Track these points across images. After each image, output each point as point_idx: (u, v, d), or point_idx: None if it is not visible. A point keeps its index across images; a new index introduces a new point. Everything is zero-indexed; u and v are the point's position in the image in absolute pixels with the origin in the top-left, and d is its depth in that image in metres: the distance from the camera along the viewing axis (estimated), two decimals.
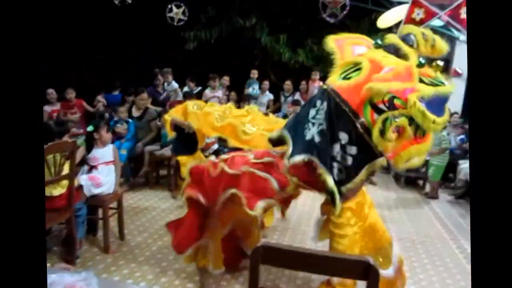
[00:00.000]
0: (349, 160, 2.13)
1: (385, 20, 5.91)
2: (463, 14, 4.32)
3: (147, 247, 3.65)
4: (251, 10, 10.72)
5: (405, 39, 2.24)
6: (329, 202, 2.24)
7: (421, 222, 4.76)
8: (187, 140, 3.98)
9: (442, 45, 2.22)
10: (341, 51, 2.31)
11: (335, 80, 2.23)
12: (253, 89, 8.38)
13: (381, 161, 2.14)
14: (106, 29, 10.66)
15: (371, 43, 2.41)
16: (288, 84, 8.24)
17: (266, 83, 8.33)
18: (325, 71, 10.61)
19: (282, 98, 8.21)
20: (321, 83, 8.00)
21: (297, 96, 7.97)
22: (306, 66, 10.41)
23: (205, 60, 10.44)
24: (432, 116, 1.89)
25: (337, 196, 2.14)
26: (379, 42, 2.32)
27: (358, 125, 2.10)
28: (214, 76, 7.61)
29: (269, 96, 8.29)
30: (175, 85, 7.59)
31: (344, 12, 7.37)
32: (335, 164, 2.15)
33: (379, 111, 2.04)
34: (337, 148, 2.14)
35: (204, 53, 10.81)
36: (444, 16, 4.33)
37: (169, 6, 8.84)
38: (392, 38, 2.30)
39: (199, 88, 7.77)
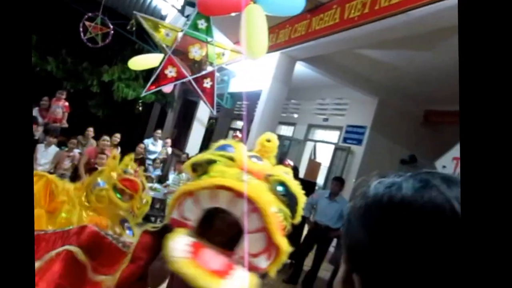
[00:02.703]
0: None
1: (136, 62, 6.14)
2: (206, 83, 4.92)
3: None
4: None
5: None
6: None
7: None
8: None
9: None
10: None
11: None
12: None
13: None
14: None
15: None
16: None
17: None
18: (77, 86, 10.04)
19: None
20: (66, 103, 7.51)
21: (35, 112, 7.11)
22: (56, 77, 9.54)
23: None
24: None
25: None
26: None
27: None
28: None
29: None
30: None
31: (106, 42, 7.21)
32: None
33: None
34: None
35: None
36: (191, 81, 4.85)
37: None
38: None
39: None
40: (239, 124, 12.12)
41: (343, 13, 4.32)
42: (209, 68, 4.93)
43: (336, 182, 5.14)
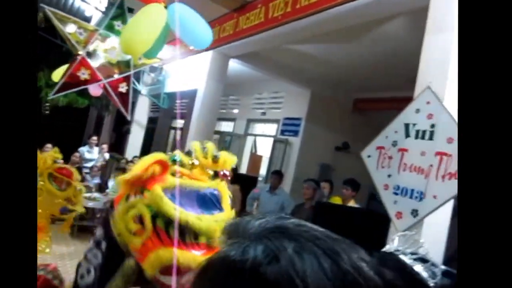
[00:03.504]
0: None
1: (60, 74, 5.84)
2: (121, 88, 4.76)
3: None
4: None
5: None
6: None
7: None
8: None
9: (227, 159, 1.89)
10: None
11: None
12: None
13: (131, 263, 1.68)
14: None
15: None
16: None
17: None
18: None
19: None
20: None
21: None
22: None
23: None
24: (170, 204, 1.40)
25: None
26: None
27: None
28: None
29: None
30: None
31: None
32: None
33: None
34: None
35: None
36: (106, 84, 4.67)
37: None
38: None
39: None
40: (179, 122, 12.00)
41: (267, 12, 4.43)
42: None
43: (275, 175, 5.30)
